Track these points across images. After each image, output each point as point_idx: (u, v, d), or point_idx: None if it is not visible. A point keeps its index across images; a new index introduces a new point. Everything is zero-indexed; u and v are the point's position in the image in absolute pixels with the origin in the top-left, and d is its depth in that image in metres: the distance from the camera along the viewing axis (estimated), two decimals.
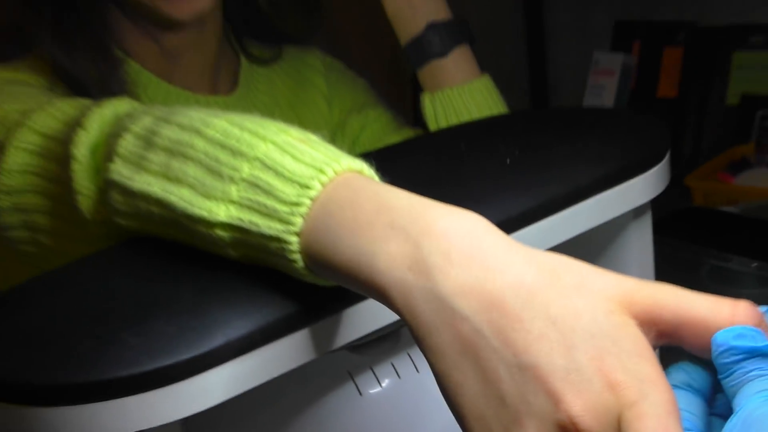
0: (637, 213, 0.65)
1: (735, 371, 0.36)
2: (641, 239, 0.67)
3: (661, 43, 1.71)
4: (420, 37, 0.94)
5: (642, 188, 0.62)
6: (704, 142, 1.61)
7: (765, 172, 1.44)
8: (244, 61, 1.02)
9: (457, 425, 0.59)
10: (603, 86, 1.75)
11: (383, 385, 0.59)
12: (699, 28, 1.69)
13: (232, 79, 1.00)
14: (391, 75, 1.67)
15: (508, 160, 0.62)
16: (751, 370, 0.36)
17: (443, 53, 0.94)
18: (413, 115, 1.44)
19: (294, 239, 0.47)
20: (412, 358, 0.60)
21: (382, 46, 1.29)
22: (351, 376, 0.58)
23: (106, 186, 0.57)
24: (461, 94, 0.94)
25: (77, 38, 0.86)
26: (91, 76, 0.85)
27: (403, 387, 0.59)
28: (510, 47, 1.92)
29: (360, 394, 0.58)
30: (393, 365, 0.59)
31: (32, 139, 0.69)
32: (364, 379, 0.58)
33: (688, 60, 1.68)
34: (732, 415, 0.35)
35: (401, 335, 0.60)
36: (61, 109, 0.70)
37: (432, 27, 0.94)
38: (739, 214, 1.02)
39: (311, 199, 0.47)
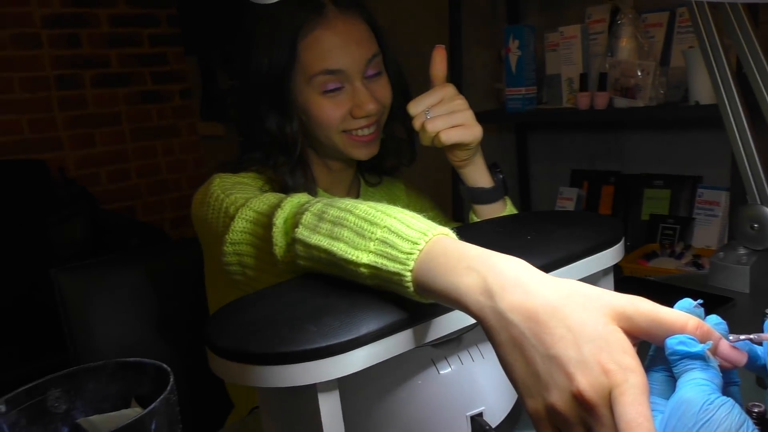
0: (605, 272, 0.62)
1: (678, 364, 0.34)
2: (607, 288, 0.64)
3: (601, 183, 1.69)
4: (461, 191, 0.88)
5: (609, 257, 0.59)
6: (629, 241, 1.57)
7: (666, 260, 1.40)
8: (362, 182, 1.01)
9: (489, 392, 0.57)
10: (565, 207, 1.73)
11: (452, 367, 0.56)
12: (623, 175, 1.66)
13: (356, 192, 0.99)
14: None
15: (528, 237, 0.60)
16: (686, 365, 0.34)
17: (471, 204, 0.88)
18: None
19: (408, 274, 0.46)
20: (470, 353, 0.57)
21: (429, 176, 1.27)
22: (433, 362, 0.56)
23: (293, 242, 0.56)
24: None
25: (295, 169, 0.86)
26: (296, 186, 0.85)
27: (463, 369, 0.56)
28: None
29: (438, 372, 0.56)
30: (458, 356, 0.56)
31: (250, 214, 0.69)
32: (441, 363, 0.56)
33: (617, 193, 1.65)
34: (674, 393, 0.34)
35: (462, 339, 0.58)
36: (268, 198, 0.70)
37: (470, 189, 0.87)
38: (653, 280, 0.99)
39: (419, 250, 0.46)
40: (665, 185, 1.53)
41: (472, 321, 0.50)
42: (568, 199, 1.70)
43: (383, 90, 0.88)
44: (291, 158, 0.86)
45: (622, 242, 0.62)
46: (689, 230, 1.43)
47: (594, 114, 1.43)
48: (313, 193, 0.88)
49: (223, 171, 0.86)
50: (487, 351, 0.58)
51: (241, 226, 0.70)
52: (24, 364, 1.82)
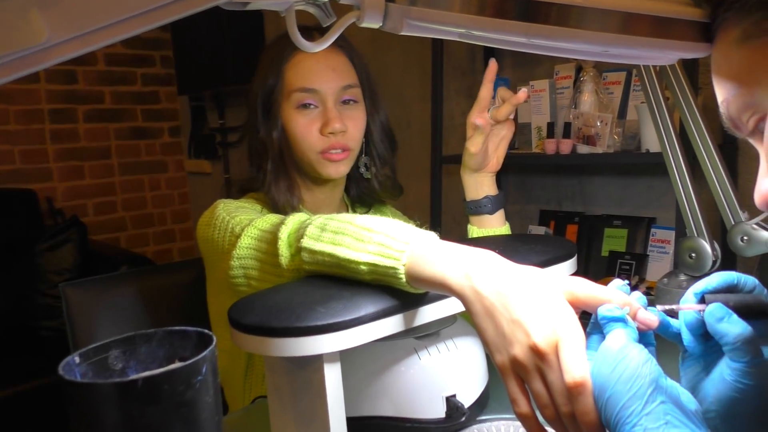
0: None
1: (606, 326, 0.44)
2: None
3: (566, 223, 1.79)
4: (479, 201, 0.96)
5: (564, 269, 0.70)
6: (590, 275, 1.67)
7: None
8: (350, 209, 1.09)
9: (462, 379, 0.66)
10: None
11: (431, 357, 0.65)
12: (586, 215, 1.77)
13: None
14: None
15: (497, 251, 0.71)
16: (612, 326, 0.44)
17: (492, 213, 0.96)
18: None
19: (402, 267, 0.55)
20: (447, 345, 0.66)
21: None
22: (415, 350, 0.65)
23: (298, 251, 0.65)
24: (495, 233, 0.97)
25: (282, 187, 0.97)
26: (289, 205, 0.96)
27: (441, 359, 0.65)
28: None
29: (419, 359, 0.64)
30: (437, 347, 0.65)
31: (255, 232, 0.78)
32: (422, 352, 0.65)
33: (580, 232, 1.75)
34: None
35: (440, 334, 0.67)
36: (270, 218, 0.79)
37: (487, 197, 0.96)
38: None
39: (410, 248, 0.56)
40: (623, 225, 1.66)
41: (448, 312, 0.61)
42: None
43: (354, 119, 0.97)
44: (275, 165, 0.97)
45: (574, 258, 0.74)
46: (644, 265, 1.56)
47: (559, 158, 1.57)
48: (299, 211, 0.97)
49: (229, 192, 0.98)
50: (461, 344, 0.68)
51: (246, 243, 0.78)
52: (10, 383, 1.86)
